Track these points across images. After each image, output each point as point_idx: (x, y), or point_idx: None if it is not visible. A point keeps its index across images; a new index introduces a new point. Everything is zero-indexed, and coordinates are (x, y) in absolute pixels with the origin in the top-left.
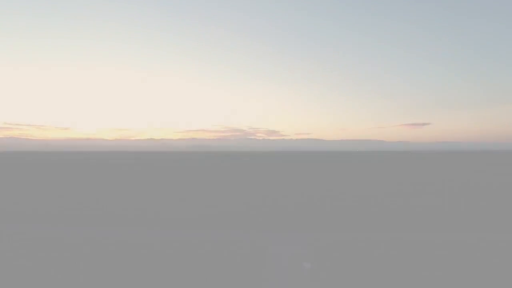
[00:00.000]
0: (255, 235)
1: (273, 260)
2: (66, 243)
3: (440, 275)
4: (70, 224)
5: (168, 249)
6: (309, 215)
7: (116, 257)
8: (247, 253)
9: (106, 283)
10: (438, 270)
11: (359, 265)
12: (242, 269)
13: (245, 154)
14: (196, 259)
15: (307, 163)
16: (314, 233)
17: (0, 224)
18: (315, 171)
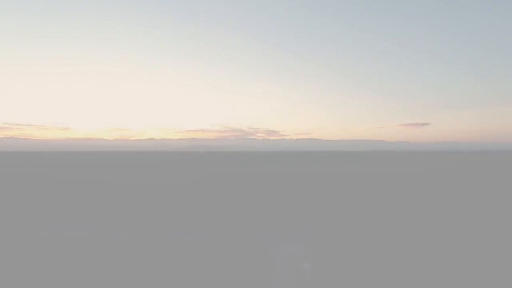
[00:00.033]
0: (254, 235)
1: (273, 260)
2: (66, 243)
3: (440, 275)
4: (70, 224)
5: (168, 249)
6: (309, 215)
7: (116, 257)
8: (247, 253)
9: (106, 283)
10: (438, 270)
11: (359, 265)
12: (242, 269)
13: (245, 154)
14: (195, 259)
15: (307, 163)
16: (314, 233)
17: (0, 224)
18: (315, 171)
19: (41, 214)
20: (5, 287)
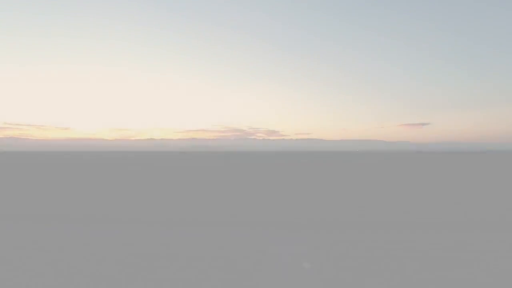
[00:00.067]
0: (254, 234)
1: (273, 260)
2: (66, 243)
3: (440, 275)
4: (70, 224)
5: (167, 249)
6: (309, 215)
7: (116, 257)
8: (246, 252)
9: (106, 283)
10: (438, 270)
11: (359, 265)
12: (242, 269)
13: (245, 154)
14: (195, 259)
15: (307, 163)
16: (314, 233)
17: None
18: (315, 171)
19: (41, 214)
20: (5, 287)
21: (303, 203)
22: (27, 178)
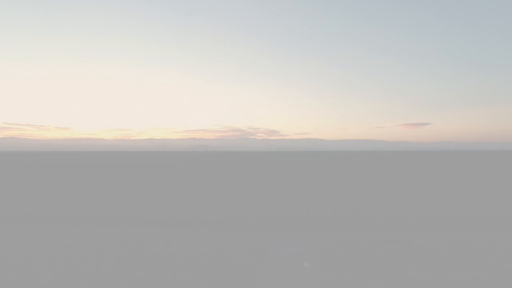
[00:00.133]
0: (254, 234)
1: (273, 260)
2: (66, 243)
3: (440, 275)
4: (70, 224)
5: (167, 249)
6: (309, 215)
7: (116, 257)
8: (246, 252)
9: (106, 283)
10: (438, 270)
11: (359, 265)
12: (242, 269)
13: (245, 154)
14: (195, 259)
15: (307, 163)
16: (314, 233)
17: None
18: (315, 171)
19: (41, 214)
20: (5, 286)
21: (303, 202)
22: (27, 178)
